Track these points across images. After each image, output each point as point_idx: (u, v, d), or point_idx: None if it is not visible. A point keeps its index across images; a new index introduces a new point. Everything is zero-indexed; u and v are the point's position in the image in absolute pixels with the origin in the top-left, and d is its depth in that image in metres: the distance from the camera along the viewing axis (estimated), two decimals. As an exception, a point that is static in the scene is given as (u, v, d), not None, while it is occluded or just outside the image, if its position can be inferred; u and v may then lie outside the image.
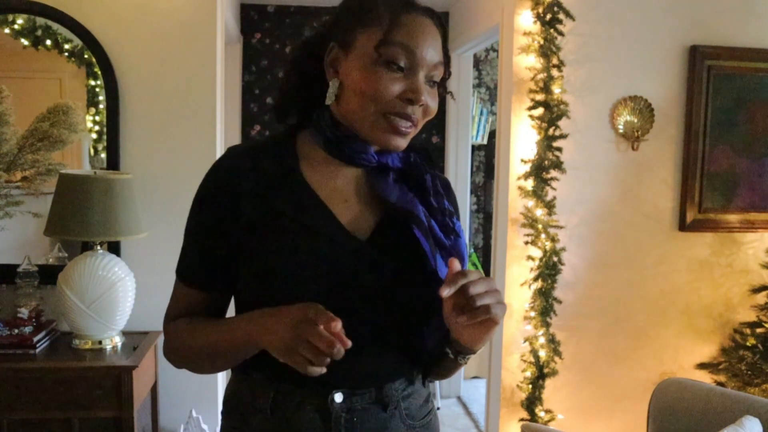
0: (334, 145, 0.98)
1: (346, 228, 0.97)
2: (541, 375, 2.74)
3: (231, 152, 1.02)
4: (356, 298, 0.94)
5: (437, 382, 3.98)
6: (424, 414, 1.05)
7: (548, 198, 2.71)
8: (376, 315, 0.96)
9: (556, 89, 2.67)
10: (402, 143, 0.96)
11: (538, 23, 2.67)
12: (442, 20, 0.99)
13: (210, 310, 1.04)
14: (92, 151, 2.55)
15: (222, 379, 2.71)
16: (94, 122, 2.51)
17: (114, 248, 2.43)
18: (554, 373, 2.75)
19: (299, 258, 0.93)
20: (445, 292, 0.84)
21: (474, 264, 4.01)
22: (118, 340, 2.29)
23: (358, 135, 0.97)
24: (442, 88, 1.01)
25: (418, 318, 0.98)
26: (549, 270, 2.71)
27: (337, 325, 0.81)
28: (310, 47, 1.02)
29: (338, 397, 0.95)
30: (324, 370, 0.83)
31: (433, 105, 0.97)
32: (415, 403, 1.03)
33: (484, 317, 0.85)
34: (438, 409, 3.91)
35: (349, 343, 0.81)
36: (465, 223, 4.10)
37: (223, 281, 1.01)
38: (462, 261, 0.95)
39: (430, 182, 1.02)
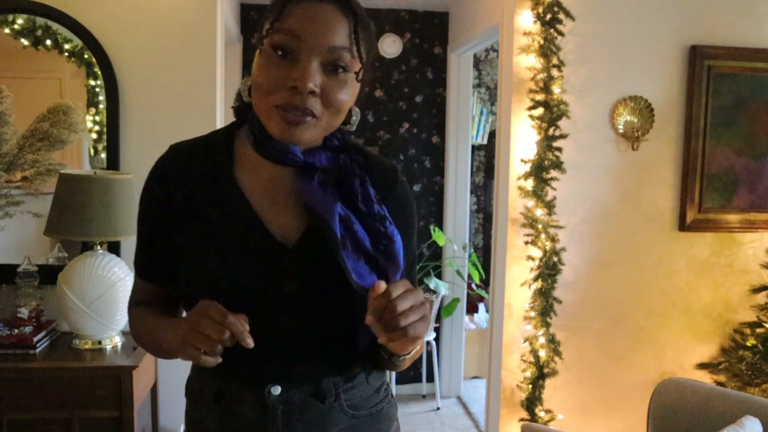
0: (259, 144, 0.96)
1: (272, 234, 0.96)
2: (541, 375, 2.74)
3: (170, 151, 1.04)
4: (281, 303, 0.95)
5: (437, 382, 3.98)
6: (373, 404, 1.06)
7: (548, 198, 2.71)
8: (301, 319, 0.96)
9: (556, 89, 2.67)
10: (299, 135, 0.91)
11: (538, 23, 2.67)
12: (353, 6, 0.92)
13: (162, 300, 1.09)
14: (92, 151, 2.55)
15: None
16: (94, 122, 2.51)
17: (114, 248, 2.43)
18: (554, 373, 2.75)
19: (225, 264, 0.94)
20: (368, 320, 0.85)
21: (474, 264, 4.01)
22: (118, 340, 2.29)
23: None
24: (359, 77, 0.94)
25: (346, 321, 0.97)
26: (549, 270, 2.71)
27: (234, 319, 0.84)
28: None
29: (275, 390, 0.97)
30: (218, 360, 0.86)
31: (338, 95, 0.91)
32: (360, 394, 1.04)
33: (403, 339, 0.84)
34: (438, 409, 3.91)
35: (250, 341, 0.85)
36: (465, 223, 4.09)
37: (168, 275, 1.03)
38: (396, 266, 0.94)
39: (358, 186, 0.98)
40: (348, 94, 0.92)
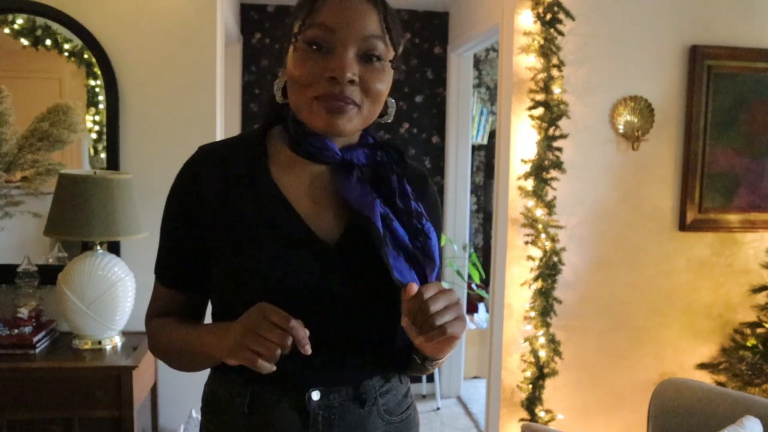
0: (296, 142, 0.95)
1: (314, 232, 0.95)
2: (541, 375, 2.74)
3: (200, 150, 1.01)
4: (324, 302, 0.93)
5: (437, 382, 3.98)
6: (403, 409, 1.05)
7: (548, 198, 2.71)
8: (345, 318, 0.94)
9: (556, 89, 2.67)
10: (342, 124, 0.90)
11: (538, 23, 2.67)
12: None
13: (186, 309, 1.04)
14: (92, 151, 2.55)
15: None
16: (94, 122, 2.51)
17: (114, 248, 2.43)
18: (554, 373, 2.75)
19: (265, 262, 0.92)
20: (404, 322, 0.84)
21: (474, 264, 4.01)
22: (117, 340, 2.28)
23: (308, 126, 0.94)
24: (393, 65, 0.95)
25: (388, 320, 0.96)
26: (549, 270, 2.71)
27: (296, 324, 0.83)
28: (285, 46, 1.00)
29: (315, 395, 0.95)
30: (274, 367, 0.83)
31: (377, 84, 0.91)
32: (393, 399, 1.03)
33: (441, 338, 0.83)
34: (438, 409, 3.91)
35: (308, 348, 0.83)
36: (465, 223, 4.10)
37: (195, 281, 1.01)
38: (432, 262, 0.94)
39: (395, 183, 0.98)
40: (385, 82, 0.92)
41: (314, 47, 0.89)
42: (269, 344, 0.81)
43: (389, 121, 1.01)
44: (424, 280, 0.92)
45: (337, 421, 0.96)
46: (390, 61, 0.93)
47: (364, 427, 0.98)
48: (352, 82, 0.89)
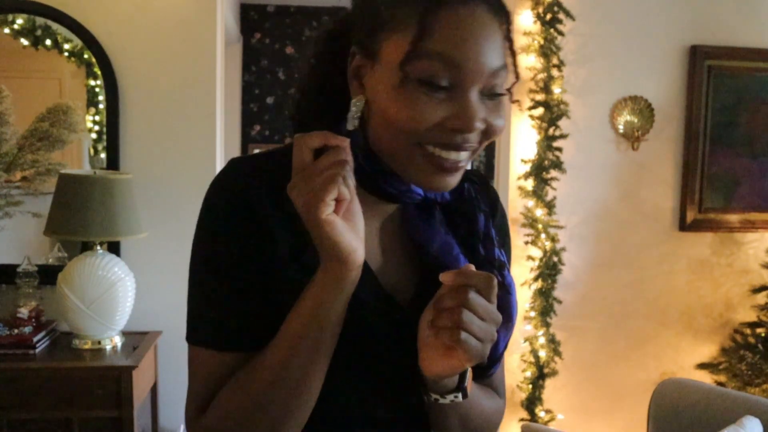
0: (370, 180, 0.75)
1: (386, 290, 0.77)
2: (541, 375, 2.74)
3: (243, 171, 0.76)
4: (391, 366, 0.77)
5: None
6: None
7: (548, 198, 2.71)
8: (413, 382, 0.77)
9: (556, 89, 2.67)
10: (452, 181, 0.72)
11: (538, 23, 2.67)
12: (501, 2, 0.71)
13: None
14: (92, 151, 2.55)
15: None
16: (94, 122, 2.51)
17: (114, 248, 2.43)
18: (554, 373, 2.75)
19: None
20: (445, 277, 0.67)
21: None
22: (118, 340, 2.28)
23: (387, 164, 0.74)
24: (511, 98, 0.77)
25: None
26: (549, 270, 2.71)
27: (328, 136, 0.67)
28: (333, 44, 0.78)
29: None
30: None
31: (498, 122, 0.71)
32: None
33: (449, 340, 0.66)
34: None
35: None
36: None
37: (261, 339, 0.73)
38: (509, 321, 0.79)
39: (482, 225, 0.80)
40: (504, 118, 0.72)
41: (428, 85, 0.67)
42: (338, 167, 0.65)
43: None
44: (494, 345, 0.73)
45: None
46: (508, 90, 0.74)
47: None
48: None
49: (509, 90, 0.75)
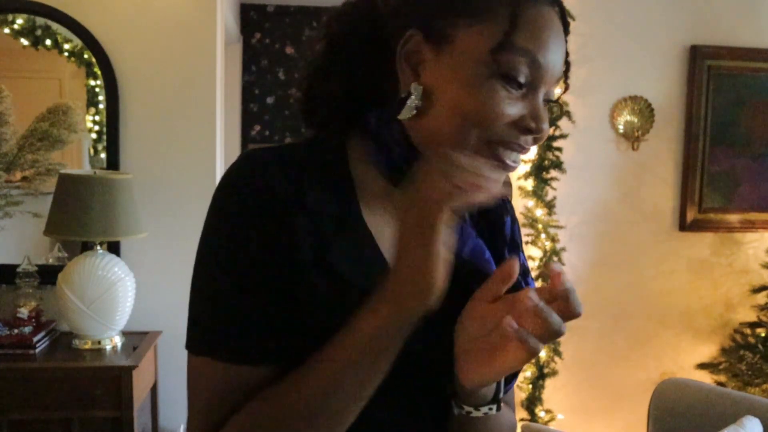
0: (402, 172, 0.69)
1: None
2: (541, 375, 2.74)
3: (264, 161, 0.68)
4: (419, 378, 0.71)
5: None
6: None
7: (548, 198, 2.71)
8: (436, 394, 0.73)
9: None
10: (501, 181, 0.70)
11: (538, 23, 2.67)
12: (564, 10, 0.70)
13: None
14: (92, 151, 2.55)
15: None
16: (94, 122, 2.51)
17: (114, 248, 2.43)
18: (554, 373, 2.75)
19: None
20: (554, 266, 0.63)
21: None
22: (117, 340, 2.28)
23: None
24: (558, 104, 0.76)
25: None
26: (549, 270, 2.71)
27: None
28: (365, 23, 0.72)
29: None
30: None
31: (547, 128, 0.70)
32: None
33: (516, 333, 0.59)
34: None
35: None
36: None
37: (284, 351, 0.66)
38: None
39: (509, 229, 0.78)
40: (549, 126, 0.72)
41: (512, 82, 0.66)
42: (478, 177, 0.58)
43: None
44: None
45: None
46: (556, 100, 0.73)
47: None
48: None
49: (557, 100, 0.74)
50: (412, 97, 0.67)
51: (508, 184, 0.73)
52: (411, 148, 0.70)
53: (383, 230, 0.71)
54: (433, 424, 0.74)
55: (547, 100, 0.71)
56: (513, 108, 0.66)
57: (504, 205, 0.80)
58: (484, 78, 0.65)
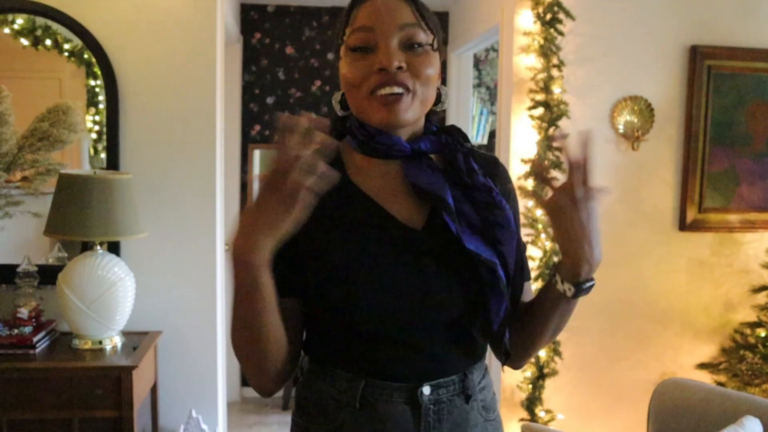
0: (365, 144, 0.99)
1: (400, 221, 0.98)
2: (541, 375, 2.74)
3: None
4: (421, 285, 0.95)
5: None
6: (495, 408, 1.07)
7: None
8: (444, 303, 0.96)
9: (556, 89, 2.67)
10: (404, 113, 0.95)
11: (538, 23, 2.67)
12: None
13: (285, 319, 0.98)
14: (92, 151, 2.55)
15: (221, 380, 2.71)
16: (94, 122, 2.51)
17: (114, 248, 2.43)
18: (554, 373, 2.75)
19: (369, 258, 0.95)
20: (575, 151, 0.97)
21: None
22: (117, 340, 2.28)
23: (371, 126, 0.98)
24: (434, 48, 0.98)
25: (483, 302, 0.96)
26: (549, 270, 2.71)
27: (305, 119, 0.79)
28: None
29: (426, 390, 0.96)
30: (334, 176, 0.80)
31: (425, 68, 0.95)
32: (489, 395, 1.05)
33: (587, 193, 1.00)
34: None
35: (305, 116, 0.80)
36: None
37: (292, 286, 0.98)
38: (509, 232, 0.98)
39: (461, 160, 1.01)
40: (431, 66, 0.96)
41: (359, 50, 0.95)
42: (312, 166, 0.78)
43: (444, 108, 1.06)
44: (502, 259, 0.96)
45: (446, 415, 0.97)
46: (430, 44, 0.96)
47: (467, 422, 1.00)
48: (400, 68, 0.93)
49: (431, 44, 0.97)
50: (334, 96, 1.04)
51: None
52: (363, 127, 0.99)
53: (367, 184, 1.01)
54: (461, 351, 1.00)
55: (417, 45, 0.95)
56: (366, 62, 0.94)
57: (454, 145, 1.03)
58: (344, 55, 0.98)
